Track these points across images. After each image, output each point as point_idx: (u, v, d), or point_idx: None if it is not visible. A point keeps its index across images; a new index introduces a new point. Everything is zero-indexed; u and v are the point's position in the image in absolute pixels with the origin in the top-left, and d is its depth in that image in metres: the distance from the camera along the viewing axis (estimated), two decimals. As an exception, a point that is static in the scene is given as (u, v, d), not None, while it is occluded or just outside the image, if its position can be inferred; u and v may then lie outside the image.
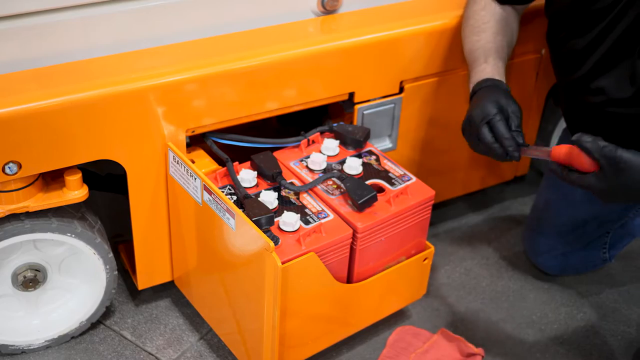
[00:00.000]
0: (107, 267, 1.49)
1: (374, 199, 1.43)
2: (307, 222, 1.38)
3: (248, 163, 1.51)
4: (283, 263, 1.27)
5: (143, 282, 1.58)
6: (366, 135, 1.59)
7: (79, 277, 1.53)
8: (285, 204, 1.43)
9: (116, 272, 1.52)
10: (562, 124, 1.97)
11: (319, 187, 1.48)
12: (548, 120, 1.99)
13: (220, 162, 1.50)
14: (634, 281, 1.84)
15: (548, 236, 1.77)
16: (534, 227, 1.82)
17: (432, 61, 1.67)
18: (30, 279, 1.47)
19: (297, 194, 1.46)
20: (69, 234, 1.41)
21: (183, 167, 1.40)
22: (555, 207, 1.75)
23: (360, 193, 1.42)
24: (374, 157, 1.58)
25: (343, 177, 1.48)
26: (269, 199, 1.40)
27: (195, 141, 1.53)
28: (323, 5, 1.60)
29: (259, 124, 1.62)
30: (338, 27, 1.59)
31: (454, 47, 1.69)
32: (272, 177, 1.46)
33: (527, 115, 1.95)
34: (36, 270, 1.48)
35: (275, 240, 1.32)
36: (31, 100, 1.28)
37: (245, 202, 1.36)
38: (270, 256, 1.25)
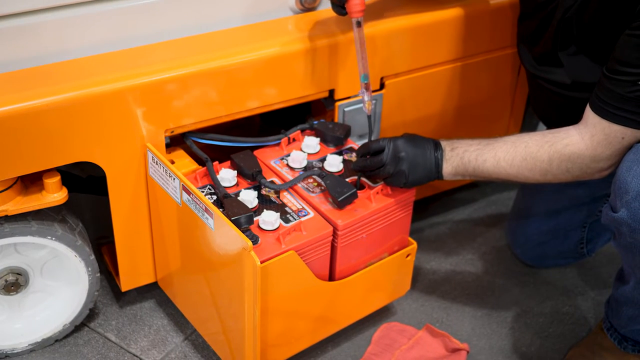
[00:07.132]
0: (89, 269, 1.49)
1: (354, 196, 1.42)
2: (287, 221, 1.38)
3: (228, 162, 1.50)
4: (262, 262, 1.27)
5: (126, 283, 1.57)
6: (347, 133, 1.58)
7: (61, 279, 1.52)
8: (265, 203, 1.42)
9: (98, 274, 1.51)
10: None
11: (299, 185, 1.48)
12: (532, 114, 1.98)
13: (201, 162, 1.50)
14: (619, 274, 1.84)
15: (525, 227, 1.80)
16: (513, 218, 1.85)
17: (412, 57, 1.67)
18: (12, 283, 1.47)
19: (277, 192, 1.45)
20: (49, 237, 1.41)
21: (162, 167, 1.39)
22: (529, 198, 1.79)
23: (341, 190, 1.41)
24: (354, 154, 1.57)
25: (323, 174, 1.47)
26: (249, 198, 1.39)
27: (176, 141, 1.52)
28: (301, 3, 1.60)
29: (243, 123, 1.61)
30: (316, 25, 1.58)
31: (434, 43, 1.68)
32: (252, 176, 1.46)
33: (510, 109, 1.96)
34: (18, 273, 1.47)
35: (255, 239, 1.32)
36: (8, 103, 1.27)
37: (225, 201, 1.36)
38: (249, 255, 1.24)
